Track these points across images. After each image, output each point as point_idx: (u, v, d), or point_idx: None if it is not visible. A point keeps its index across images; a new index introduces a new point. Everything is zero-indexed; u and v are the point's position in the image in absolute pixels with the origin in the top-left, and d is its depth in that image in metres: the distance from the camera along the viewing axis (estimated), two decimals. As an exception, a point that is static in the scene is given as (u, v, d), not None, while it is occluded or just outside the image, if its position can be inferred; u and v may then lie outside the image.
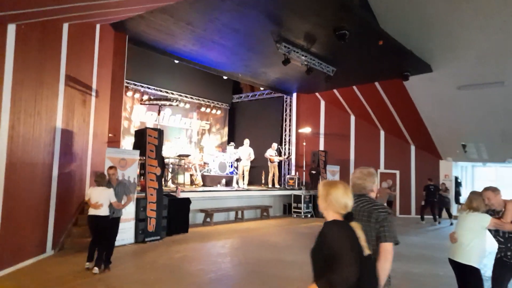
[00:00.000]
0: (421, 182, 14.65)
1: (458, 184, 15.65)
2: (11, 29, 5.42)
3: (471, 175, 19.50)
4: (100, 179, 5.77)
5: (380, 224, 2.39)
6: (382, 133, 15.16)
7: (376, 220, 2.41)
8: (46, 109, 6.34)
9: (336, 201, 2.14)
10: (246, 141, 13.19)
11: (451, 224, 12.16)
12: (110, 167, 6.08)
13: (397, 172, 14.93)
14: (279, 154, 14.66)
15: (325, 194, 2.19)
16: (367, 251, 2.08)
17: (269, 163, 13.72)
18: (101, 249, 5.73)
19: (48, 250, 6.52)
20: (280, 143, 15.55)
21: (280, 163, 14.86)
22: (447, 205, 13.06)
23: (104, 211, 5.64)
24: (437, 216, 12.83)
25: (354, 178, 2.69)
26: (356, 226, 2.12)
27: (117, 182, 6.02)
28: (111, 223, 5.82)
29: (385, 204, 11.68)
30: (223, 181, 12.74)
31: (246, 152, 12.88)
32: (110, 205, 5.71)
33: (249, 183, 14.74)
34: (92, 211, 5.64)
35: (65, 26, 6.81)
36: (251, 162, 15.53)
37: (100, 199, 5.61)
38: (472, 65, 10.21)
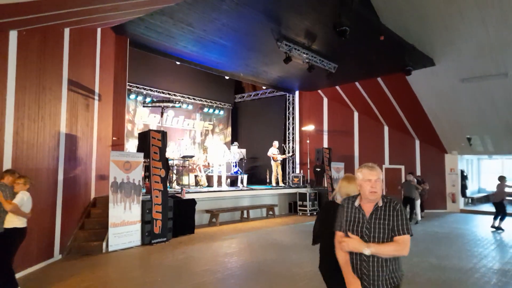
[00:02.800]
0: (426, 176, 14.58)
1: (464, 178, 15.57)
2: (13, 35, 5.47)
3: (477, 168, 19.39)
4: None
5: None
6: (386, 128, 15.11)
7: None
8: (49, 114, 6.38)
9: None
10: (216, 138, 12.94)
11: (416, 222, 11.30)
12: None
13: (402, 167, 14.87)
14: (283, 152, 14.65)
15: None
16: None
17: (272, 162, 13.72)
18: None
19: (56, 255, 6.56)
20: (284, 141, 15.54)
21: (284, 161, 14.85)
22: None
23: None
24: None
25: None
26: None
27: None
28: None
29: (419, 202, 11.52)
30: (228, 180, 12.74)
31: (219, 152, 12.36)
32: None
33: (254, 182, 14.77)
34: (24, 222, 4.71)
35: (66, 31, 6.85)
36: (256, 161, 15.55)
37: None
38: (474, 58, 10.15)
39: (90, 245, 7.19)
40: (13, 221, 4.57)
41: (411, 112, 13.73)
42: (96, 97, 8.22)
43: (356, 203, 2.48)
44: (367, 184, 2.39)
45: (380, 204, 2.39)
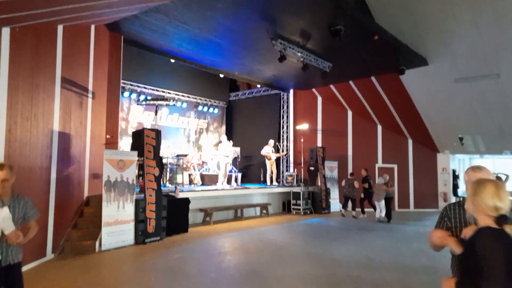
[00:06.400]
0: (419, 175, 14.73)
1: (456, 177, 15.71)
2: (5, 32, 5.40)
3: (468, 168, 19.58)
4: None
5: None
6: (379, 127, 15.20)
7: None
8: (42, 112, 6.32)
9: (484, 203, 1.86)
10: (224, 137, 12.72)
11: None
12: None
13: (395, 166, 14.99)
14: (277, 151, 14.68)
15: (472, 194, 1.92)
16: None
17: (266, 161, 13.73)
18: None
19: (48, 254, 6.51)
20: (278, 140, 15.56)
21: (278, 160, 14.87)
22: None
23: None
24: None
25: None
26: None
27: (12, 196, 3.07)
28: (7, 275, 2.99)
29: (383, 202, 11.50)
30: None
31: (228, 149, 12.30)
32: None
33: (247, 181, 14.79)
34: None
35: (60, 28, 6.78)
36: (250, 159, 15.55)
37: None
38: (467, 58, 10.25)
39: (83, 244, 7.15)
40: None
41: (404, 112, 13.83)
42: (90, 95, 8.15)
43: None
44: None
45: None
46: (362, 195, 12.53)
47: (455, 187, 15.54)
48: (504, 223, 1.79)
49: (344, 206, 12.82)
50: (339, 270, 6.09)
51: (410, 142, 15.07)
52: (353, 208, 12.58)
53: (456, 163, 16.33)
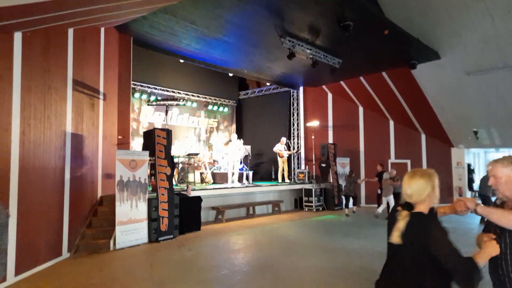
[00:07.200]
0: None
1: (471, 171, 15.46)
2: (18, 36, 5.51)
3: (484, 161, 19.23)
4: None
5: None
6: (391, 122, 15.03)
7: None
8: (55, 114, 6.43)
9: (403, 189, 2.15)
10: (233, 136, 12.61)
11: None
12: None
13: (408, 162, 14.79)
14: (288, 148, 14.64)
15: None
16: (393, 240, 2.17)
17: (278, 158, 13.72)
18: None
19: (64, 253, 6.64)
20: (289, 138, 15.53)
21: (289, 157, 14.85)
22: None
23: None
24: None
25: None
26: (402, 216, 2.13)
27: None
28: None
29: (391, 197, 11.26)
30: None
31: (236, 147, 12.22)
32: None
33: (259, 179, 14.80)
34: None
35: (70, 31, 6.89)
36: (261, 157, 15.55)
37: None
38: (480, 50, 10.03)
39: (98, 243, 7.26)
40: None
41: (416, 106, 13.63)
42: (101, 96, 8.26)
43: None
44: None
45: None
46: (379, 191, 12.36)
47: (470, 181, 15.29)
48: (403, 209, 2.14)
49: (346, 205, 12.40)
50: (352, 262, 6.06)
51: (423, 137, 14.85)
52: (354, 204, 12.36)
53: (471, 157, 16.05)
